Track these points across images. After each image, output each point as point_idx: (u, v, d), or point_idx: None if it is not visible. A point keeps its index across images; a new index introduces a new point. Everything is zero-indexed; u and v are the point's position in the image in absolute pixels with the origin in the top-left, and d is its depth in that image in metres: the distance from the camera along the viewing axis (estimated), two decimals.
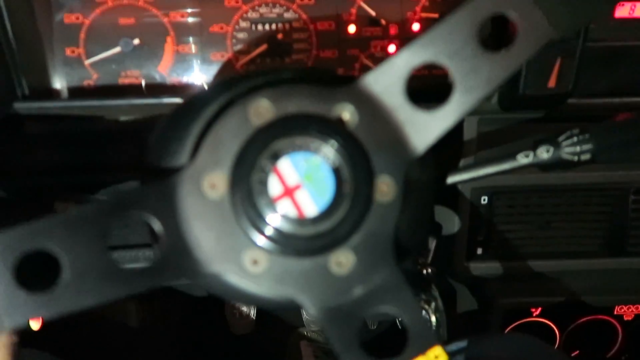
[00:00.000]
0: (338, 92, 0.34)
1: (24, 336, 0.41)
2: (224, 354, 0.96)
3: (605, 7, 0.33)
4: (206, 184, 0.33)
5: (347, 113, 0.34)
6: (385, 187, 0.33)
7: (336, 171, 0.33)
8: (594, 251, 0.72)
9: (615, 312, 0.75)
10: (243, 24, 0.64)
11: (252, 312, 0.89)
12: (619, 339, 0.77)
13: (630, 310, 0.75)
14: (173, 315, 0.94)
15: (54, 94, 0.63)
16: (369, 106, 0.34)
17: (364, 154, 0.33)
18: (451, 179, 0.48)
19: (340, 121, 0.33)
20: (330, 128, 0.33)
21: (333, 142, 0.33)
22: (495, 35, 0.34)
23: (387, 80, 0.34)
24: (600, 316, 0.75)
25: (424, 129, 0.34)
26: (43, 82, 0.62)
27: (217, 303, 0.87)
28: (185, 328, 0.94)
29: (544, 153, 0.46)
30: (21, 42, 0.58)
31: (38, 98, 0.60)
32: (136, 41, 0.63)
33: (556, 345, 0.75)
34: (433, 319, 0.63)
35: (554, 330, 0.75)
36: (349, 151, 0.33)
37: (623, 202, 0.70)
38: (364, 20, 0.65)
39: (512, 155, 0.47)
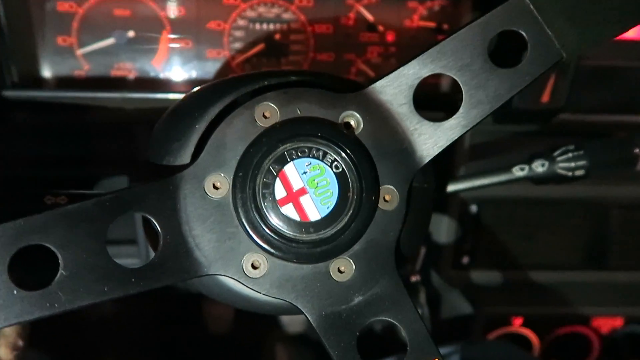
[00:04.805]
0: (345, 99, 0.33)
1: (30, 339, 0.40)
2: (200, 353, 0.95)
3: (615, 32, 0.34)
4: (209, 185, 0.32)
5: (353, 120, 0.33)
6: (389, 196, 0.33)
7: (341, 178, 0.33)
8: (576, 264, 0.73)
9: (592, 325, 0.77)
10: (241, 22, 0.64)
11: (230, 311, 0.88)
12: (596, 351, 0.78)
13: (607, 323, 0.77)
14: (149, 312, 0.92)
15: (43, 83, 0.62)
16: (376, 114, 0.33)
17: (370, 161, 0.33)
18: (449, 188, 0.48)
19: (346, 127, 0.33)
20: (337, 134, 0.33)
21: (339, 148, 0.33)
22: (503, 50, 0.34)
23: (395, 89, 0.34)
24: (577, 327, 0.76)
25: (430, 139, 0.34)
26: (33, 71, 0.61)
27: (195, 302, 0.86)
28: (162, 326, 0.93)
29: (539, 167, 0.46)
30: (13, 28, 0.56)
31: (27, 86, 0.58)
32: (131, 33, 0.62)
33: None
34: None
35: (534, 340, 0.76)
36: (355, 158, 0.33)
37: (605, 217, 0.72)
38: (361, 26, 0.65)
39: (508, 168, 0.47)
